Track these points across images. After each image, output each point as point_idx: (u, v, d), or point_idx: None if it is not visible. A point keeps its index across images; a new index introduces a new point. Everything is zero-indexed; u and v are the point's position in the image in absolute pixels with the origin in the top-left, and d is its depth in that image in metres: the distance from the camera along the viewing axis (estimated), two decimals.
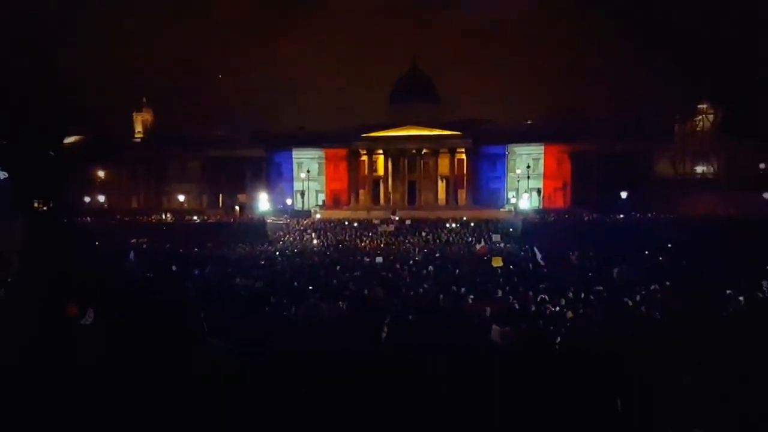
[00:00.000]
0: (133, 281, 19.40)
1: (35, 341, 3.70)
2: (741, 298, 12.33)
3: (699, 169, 64.81)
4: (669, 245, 32.82)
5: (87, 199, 69.27)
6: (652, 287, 15.69)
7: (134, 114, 79.85)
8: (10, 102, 59.63)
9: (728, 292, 12.99)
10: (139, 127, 79.80)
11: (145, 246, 42.13)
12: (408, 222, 53.20)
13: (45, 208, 67.13)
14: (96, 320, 5.87)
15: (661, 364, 1.74)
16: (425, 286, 17.99)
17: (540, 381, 3.24)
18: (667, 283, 16.59)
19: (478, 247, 35.23)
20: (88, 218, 58.93)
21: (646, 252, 29.99)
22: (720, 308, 11.15)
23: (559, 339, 8.88)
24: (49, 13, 71.72)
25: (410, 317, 10.92)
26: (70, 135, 74.85)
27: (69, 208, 62.85)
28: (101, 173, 73.09)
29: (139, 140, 78.43)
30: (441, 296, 14.99)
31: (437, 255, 33.81)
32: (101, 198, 70.35)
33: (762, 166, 59.65)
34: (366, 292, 16.21)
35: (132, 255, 23.44)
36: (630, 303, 13.27)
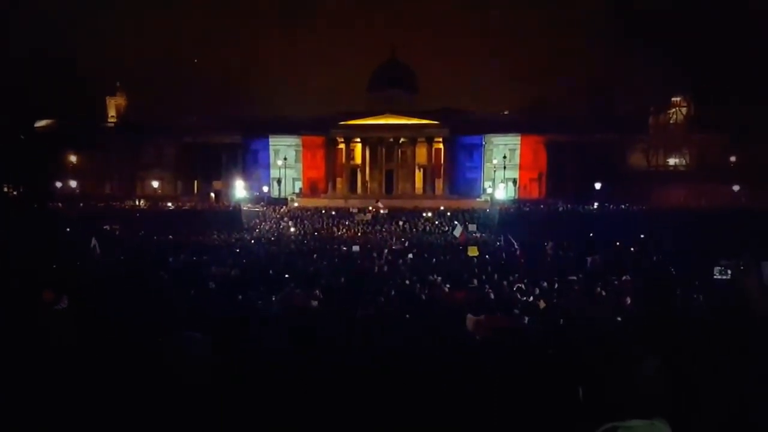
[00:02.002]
0: (108, 268, 19.13)
1: (9, 326, 3.64)
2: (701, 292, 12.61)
3: (671, 161, 65.96)
4: (641, 236, 33.42)
5: (59, 185, 67.88)
6: (624, 278, 15.95)
7: (107, 98, 78.29)
8: None
9: (695, 282, 13.27)
10: (112, 112, 78.30)
11: (117, 233, 41.58)
12: (385, 211, 53.24)
13: (15, 193, 65.82)
14: (70, 306, 5.78)
15: (625, 352, 1.79)
16: (402, 275, 18.06)
17: (509, 371, 3.28)
18: (638, 273, 16.90)
19: (457, 233, 35.40)
20: (60, 204, 57.79)
21: (617, 243, 30.47)
22: (686, 299, 11.39)
23: (531, 328, 9.00)
24: None
25: (386, 306, 10.96)
26: (41, 119, 73.21)
27: (40, 193, 61.66)
28: (73, 158, 71.52)
29: (112, 125, 76.90)
30: (418, 285, 15.06)
31: (414, 244, 33.95)
32: (73, 183, 68.97)
33: (733, 159, 60.89)
34: (342, 280, 16.22)
35: (94, 243, 22.21)
36: (603, 293, 13.48)
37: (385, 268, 20.91)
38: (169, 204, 60.91)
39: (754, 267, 3.08)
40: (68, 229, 37.87)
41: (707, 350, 2.88)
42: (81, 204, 57.77)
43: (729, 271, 9.19)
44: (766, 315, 2.92)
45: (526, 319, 10.21)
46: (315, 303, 11.57)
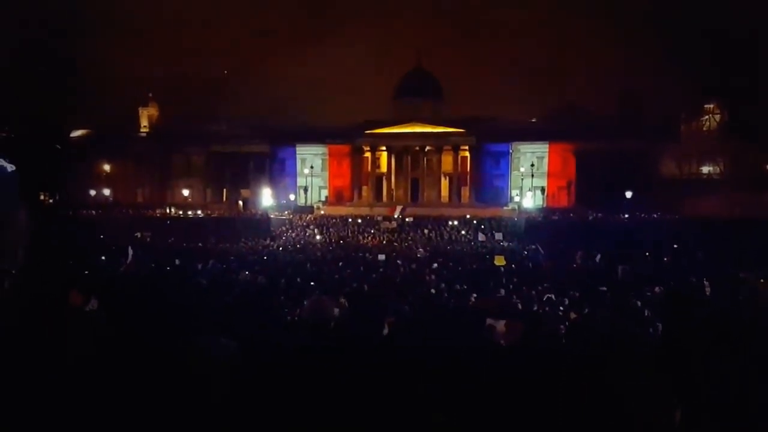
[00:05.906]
0: (138, 273, 19.37)
1: (37, 330, 3.69)
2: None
3: (705, 169, 64.52)
4: (675, 246, 32.71)
5: (92, 193, 69.50)
6: (657, 289, 15.59)
7: (140, 109, 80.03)
8: (18, 96, 59.84)
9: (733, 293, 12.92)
10: (144, 122, 80.00)
11: (149, 240, 42.32)
12: (410, 219, 53.14)
13: (51, 200, 67.47)
14: (99, 308, 5.85)
15: (649, 366, 1.74)
16: (427, 283, 17.96)
17: (531, 382, 3.23)
18: (671, 284, 16.51)
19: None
20: (93, 212, 59.09)
21: (647, 253, 29.86)
22: (720, 311, 11.08)
23: (556, 338, 8.84)
24: (57, 9, 71.93)
25: (412, 314, 10.89)
26: (76, 129, 75.15)
27: (74, 201, 63.16)
28: (107, 167, 73.22)
29: (144, 135, 78.58)
30: (445, 294, 14.95)
31: (440, 253, 33.78)
32: (106, 191, 70.52)
33: None
34: (367, 288, 16.18)
35: (130, 253, 22.24)
36: (639, 303, 13.16)
37: (410, 276, 20.82)
38: (199, 212, 61.78)
39: None
40: (102, 236, 38.66)
41: (720, 358, 2.82)
42: (114, 212, 59.01)
43: (747, 285, 8.97)
44: None
45: (561, 327, 10.05)
46: (340, 310, 11.56)
